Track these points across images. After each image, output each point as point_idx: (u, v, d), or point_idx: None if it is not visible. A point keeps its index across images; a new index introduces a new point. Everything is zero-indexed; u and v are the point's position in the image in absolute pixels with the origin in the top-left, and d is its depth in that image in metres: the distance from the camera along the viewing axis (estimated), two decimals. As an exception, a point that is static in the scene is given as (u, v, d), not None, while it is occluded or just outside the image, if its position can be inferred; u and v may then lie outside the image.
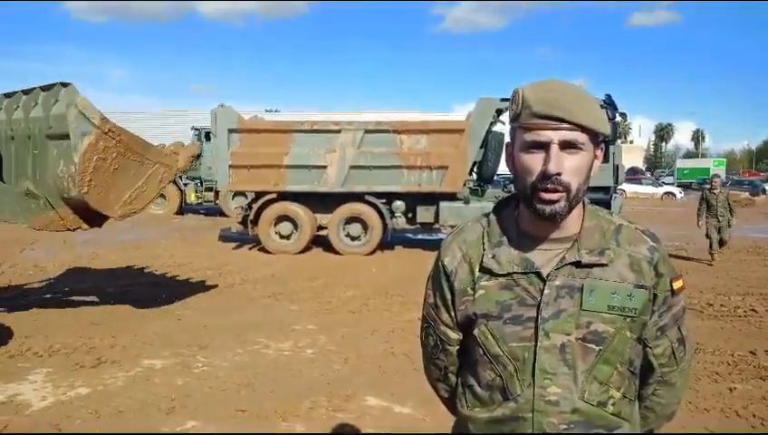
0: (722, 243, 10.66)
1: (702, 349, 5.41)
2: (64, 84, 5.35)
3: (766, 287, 8.36)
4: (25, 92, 5.79)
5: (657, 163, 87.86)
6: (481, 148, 11.55)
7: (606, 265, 1.26)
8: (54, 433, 3.72)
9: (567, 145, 1.20)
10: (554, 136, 1.19)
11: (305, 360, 5.22)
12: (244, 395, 4.35)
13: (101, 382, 4.55)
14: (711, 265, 10.41)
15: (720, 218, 10.53)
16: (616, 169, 11.64)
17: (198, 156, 5.74)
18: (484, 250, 1.32)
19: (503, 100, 11.07)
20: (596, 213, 1.33)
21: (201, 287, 8.04)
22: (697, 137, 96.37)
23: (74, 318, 6.42)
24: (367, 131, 11.13)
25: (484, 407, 1.32)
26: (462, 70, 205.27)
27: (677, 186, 40.14)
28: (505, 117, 11.19)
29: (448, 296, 1.37)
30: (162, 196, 17.42)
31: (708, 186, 11.16)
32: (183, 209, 19.21)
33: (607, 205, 10.86)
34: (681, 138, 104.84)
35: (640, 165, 61.71)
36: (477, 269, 1.32)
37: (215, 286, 8.11)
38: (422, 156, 11.16)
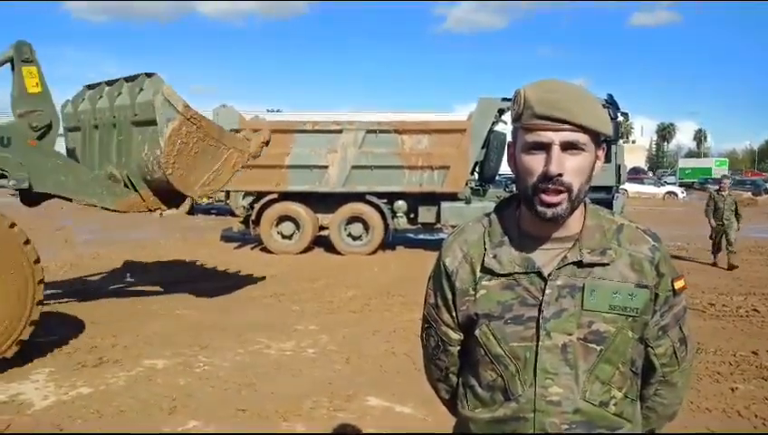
0: (728, 243, 10.37)
1: (704, 349, 5.40)
2: (149, 75, 5.83)
3: (768, 287, 8.35)
4: (109, 83, 6.37)
5: (659, 163, 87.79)
6: (482, 148, 11.55)
7: (607, 264, 1.26)
8: (56, 433, 3.72)
9: (568, 146, 1.20)
10: (556, 137, 1.19)
11: (306, 360, 5.22)
12: (245, 395, 4.35)
13: (103, 382, 4.55)
14: (715, 265, 10.33)
15: (725, 222, 10.39)
16: (618, 168, 11.64)
17: (267, 142, 6.54)
18: (485, 250, 1.32)
19: (504, 99, 11.07)
20: (597, 213, 1.33)
21: (202, 287, 8.04)
22: (699, 137, 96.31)
23: (76, 318, 6.43)
24: (368, 131, 11.14)
25: (486, 407, 1.31)
26: (463, 70, 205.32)
27: (679, 185, 40.10)
28: (507, 117, 11.19)
29: (449, 296, 1.37)
30: None
31: (717, 187, 11.04)
32: (194, 209, 18.99)
33: (609, 205, 10.85)
34: (683, 137, 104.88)
35: (642, 165, 61.71)
36: (479, 269, 1.32)
37: (216, 286, 8.11)
38: (423, 156, 11.17)
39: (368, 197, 11.41)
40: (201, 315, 6.67)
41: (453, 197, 11.46)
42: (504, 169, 12.29)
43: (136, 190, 6.04)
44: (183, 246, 12.03)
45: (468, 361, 1.39)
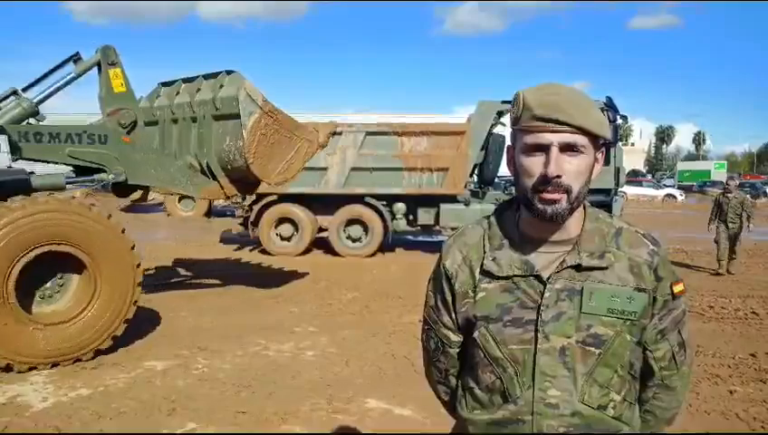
0: (732, 247, 9.89)
1: (702, 351, 5.41)
2: (229, 72, 6.29)
3: (767, 290, 8.36)
4: (185, 81, 6.85)
5: (657, 165, 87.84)
6: (482, 150, 11.57)
7: (606, 268, 1.27)
8: (55, 433, 3.72)
9: (567, 148, 1.21)
10: (554, 139, 1.20)
11: (306, 362, 5.22)
12: (244, 397, 4.35)
13: (102, 383, 4.55)
14: (719, 273, 9.78)
15: (730, 225, 9.81)
16: (617, 171, 11.65)
17: (333, 134, 7.35)
18: (484, 253, 1.33)
19: (504, 102, 11.09)
20: (596, 216, 1.34)
21: (201, 289, 8.04)
22: (698, 139, 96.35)
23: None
24: (368, 133, 11.15)
25: (484, 409, 1.32)
26: (463, 72, 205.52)
27: (678, 188, 40.15)
28: (506, 119, 11.21)
29: (449, 299, 1.38)
30: (191, 198, 17.38)
31: (722, 189, 10.49)
32: (211, 212, 18.68)
33: (608, 207, 10.86)
34: (682, 140, 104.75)
35: (641, 167, 61.82)
36: (478, 272, 1.33)
37: (215, 288, 8.11)
38: (423, 158, 11.17)
39: (367, 199, 11.41)
40: (200, 317, 6.67)
41: (452, 199, 11.46)
42: (504, 171, 12.39)
43: (215, 179, 6.48)
44: (183, 248, 12.02)
45: (467, 363, 1.39)
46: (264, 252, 11.57)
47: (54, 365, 4.84)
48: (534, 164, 1.22)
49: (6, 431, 3.75)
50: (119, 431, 3.76)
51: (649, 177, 51.62)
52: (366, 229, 11.52)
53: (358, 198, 11.42)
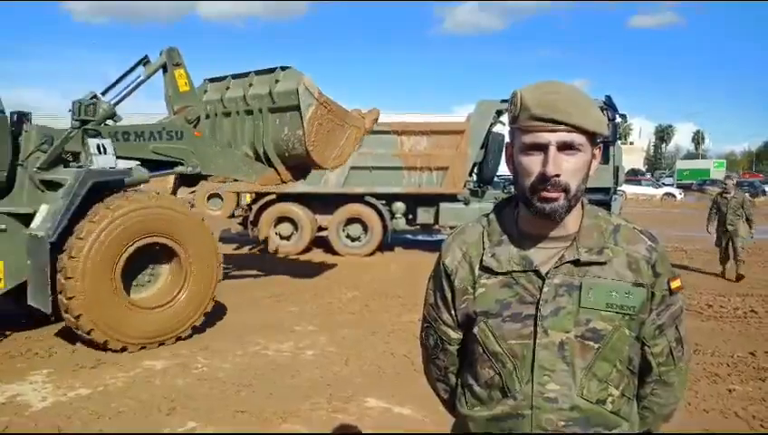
0: (735, 252, 9.38)
1: (701, 350, 5.42)
2: (284, 68, 6.79)
3: (766, 289, 8.38)
4: (235, 76, 7.37)
5: (657, 164, 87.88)
6: (481, 149, 11.57)
7: (604, 263, 1.27)
8: (55, 433, 3.72)
9: (565, 146, 1.22)
10: (552, 138, 1.21)
11: (305, 361, 5.22)
12: (244, 396, 4.35)
13: (102, 383, 4.55)
14: (723, 276, 9.49)
15: (729, 227, 9.30)
16: (616, 170, 11.66)
17: (377, 120, 7.84)
18: (484, 249, 1.34)
19: (503, 101, 11.09)
20: (594, 213, 1.35)
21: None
22: (697, 138, 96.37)
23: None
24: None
25: (484, 405, 1.33)
26: (462, 71, 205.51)
27: (677, 187, 40.19)
28: (505, 118, 11.21)
29: (449, 296, 1.38)
30: (219, 197, 17.57)
31: (721, 189, 9.91)
32: (234, 213, 17.99)
33: (607, 206, 10.86)
34: (681, 139, 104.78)
35: (640, 166, 61.83)
36: (477, 268, 1.33)
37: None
38: (422, 157, 11.18)
39: (366, 198, 11.41)
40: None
41: (451, 198, 11.47)
42: (503, 170, 12.40)
43: (273, 167, 7.02)
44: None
45: (467, 359, 1.40)
46: (263, 251, 11.57)
47: (145, 347, 5.33)
48: (533, 163, 1.23)
49: (6, 431, 3.74)
50: (118, 431, 3.76)
51: (648, 175, 51.67)
52: (365, 228, 11.52)
53: (357, 198, 11.43)
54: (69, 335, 5.73)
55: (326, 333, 6.10)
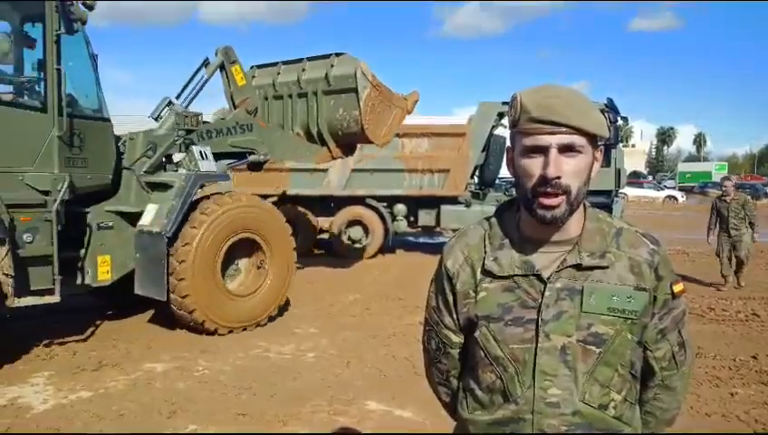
0: (739, 264, 8.74)
1: (703, 353, 5.40)
2: (338, 54, 7.53)
3: (768, 292, 8.34)
4: (286, 63, 8.11)
5: (658, 167, 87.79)
6: (482, 151, 11.56)
7: (606, 267, 1.27)
8: (55, 433, 3.72)
9: (565, 148, 1.21)
10: (553, 140, 1.21)
11: (306, 363, 5.22)
12: (244, 399, 4.34)
13: (103, 386, 4.55)
14: (722, 289, 8.70)
15: (732, 232, 8.53)
16: (618, 172, 11.65)
17: (417, 102, 8.45)
18: (485, 253, 1.34)
19: (504, 103, 11.09)
20: (597, 216, 1.35)
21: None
22: (699, 141, 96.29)
23: (75, 321, 6.42)
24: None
25: (485, 409, 1.32)
26: (463, 73, 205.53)
27: (679, 189, 40.14)
28: (506, 120, 11.19)
29: (450, 299, 1.38)
30: None
31: (720, 193, 9.11)
32: None
33: (609, 209, 10.85)
34: (683, 141, 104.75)
35: (642, 169, 61.78)
36: (479, 272, 1.33)
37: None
38: (424, 159, 11.18)
39: (368, 200, 11.41)
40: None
41: (453, 200, 11.46)
42: (504, 172, 12.37)
43: (323, 145, 7.77)
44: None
45: (468, 363, 1.40)
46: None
47: (232, 331, 5.93)
48: (533, 165, 1.23)
49: (8, 432, 3.74)
50: (119, 433, 3.75)
51: (650, 178, 51.62)
52: (366, 231, 11.51)
53: (358, 200, 11.42)
54: (70, 338, 5.73)
55: (327, 335, 6.09)
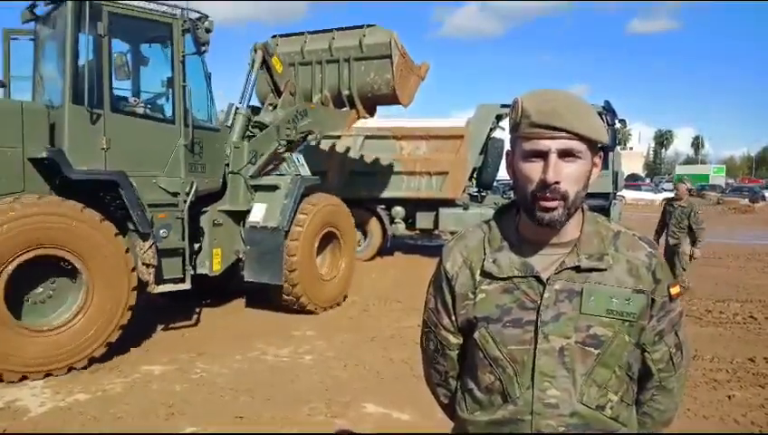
0: (673, 271, 7.50)
1: (701, 356, 5.40)
2: (369, 25, 8.44)
3: (765, 294, 8.36)
4: (312, 33, 8.87)
5: (656, 169, 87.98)
6: (480, 154, 11.56)
7: (605, 269, 1.28)
8: (53, 433, 3.71)
9: (565, 154, 1.22)
10: (552, 145, 1.21)
11: (304, 366, 5.21)
12: (242, 401, 4.34)
13: (100, 388, 4.54)
14: (685, 288, 7.70)
15: (670, 240, 8.03)
16: (615, 175, 11.66)
17: (428, 69, 9.31)
18: (485, 255, 1.34)
19: (503, 105, 11.11)
20: (595, 219, 1.36)
21: (199, 293, 8.01)
22: (697, 143, 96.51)
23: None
24: (366, 137, 11.15)
25: (484, 410, 1.33)
26: (461, 76, 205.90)
27: (677, 192, 40.11)
28: (505, 123, 11.21)
29: (449, 301, 1.39)
30: None
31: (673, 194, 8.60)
32: None
33: (606, 211, 10.85)
34: (681, 144, 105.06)
35: (640, 171, 61.93)
36: (478, 273, 1.34)
37: (213, 293, 8.08)
38: (422, 162, 11.17)
39: (366, 203, 11.39)
40: (197, 321, 6.66)
41: (451, 203, 11.45)
42: (502, 175, 12.38)
43: (352, 108, 8.60)
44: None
45: (467, 364, 1.40)
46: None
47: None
48: (533, 170, 1.23)
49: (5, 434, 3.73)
50: (117, 431, 3.75)
51: (648, 181, 51.73)
52: (365, 233, 11.49)
53: (356, 202, 11.40)
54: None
55: (325, 337, 6.09)
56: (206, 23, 6.19)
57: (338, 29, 8.66)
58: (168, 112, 6.13)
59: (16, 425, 3.89)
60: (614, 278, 1.27)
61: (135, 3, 5.77)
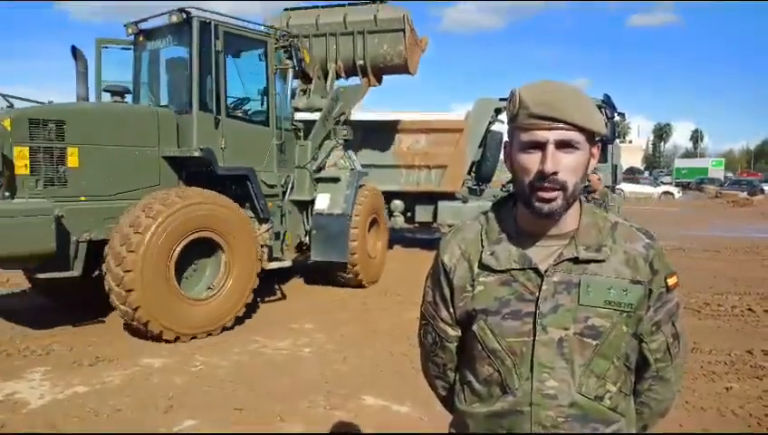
0: None
1: (699, 348, 5.42)
2: (382, 1, 9.21)
3: (763, 287, 8.38)
4: (324, 7, 9.52)
5: (655, 163, 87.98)
6: (479, 147, 11.55)
7: (603, 261, 1.28)
8: (51, 432, 3.71)
9: (563, 144, 1.22)
10: (550, 136, 1.21)
11: (303, 359, 5.22)
12: (241, 394, 4.35)
13: (99, 381, 4.55)
14: None
15: None
16: (614, 168, 11.65)
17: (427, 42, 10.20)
18: (482, 247, 1.34)
19: (502, 99, 11.08)
20: (593, 211, 1.36)
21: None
22: (696, 137, 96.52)
23: (72, 317, 6.41)
24: (366, 130, 11.12)
25: (483, 402, 1.33)
26: (461, 70, 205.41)
27: (675, 185, 40.26)
28: (504, 116, 11.18)
29: (447, 293, 1.39)
30: None
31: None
32: None
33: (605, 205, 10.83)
34: (680, 138, 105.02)
35: (639, 165, 61.91)
36: (476, 266, 1.34)
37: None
38: (421, 155, 11.15)
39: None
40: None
41: (450, 196, 11.44)
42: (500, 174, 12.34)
43: (364, 76, 9.27)
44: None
45: (465, 356, 1.41)
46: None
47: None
48: (531, 161, 1.24)
49: (3, 430, 3.73)
50: (116, 430, 3.75)
51: (647, 174, 51.71)
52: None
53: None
54: (67, 333, 5.72)
55: (324, 331, 6.09)
56: (296, 41, 7.49)
57: (350, 4, 9.37)
58: (264, 117, 7.17)
59: (16, 418, 3.89)
60: (612, 269, 1.28)
61: (241, 23, 6.92)
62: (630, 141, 69.65)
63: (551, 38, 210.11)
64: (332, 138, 8.40)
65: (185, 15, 6.21)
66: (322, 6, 9.59)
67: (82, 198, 5.52)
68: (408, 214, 11.82)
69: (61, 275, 5.38)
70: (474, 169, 11.98)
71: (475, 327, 1.33)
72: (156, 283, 5.34)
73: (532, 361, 1.26)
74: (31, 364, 4.89)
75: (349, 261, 7.69)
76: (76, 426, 3.79)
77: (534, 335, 1.26)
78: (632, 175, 40.92)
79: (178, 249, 5.53)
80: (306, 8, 9.65)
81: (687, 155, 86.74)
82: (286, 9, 9.66)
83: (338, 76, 9.49)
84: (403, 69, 9.50)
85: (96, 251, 5.58)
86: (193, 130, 6.22)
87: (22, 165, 5.16)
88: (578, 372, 1.25)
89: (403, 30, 8.99)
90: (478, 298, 1.32)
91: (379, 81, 9.81)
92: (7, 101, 5.71)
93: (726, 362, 5.12)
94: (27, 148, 5.20)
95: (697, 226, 18.24)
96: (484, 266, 1.32)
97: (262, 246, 6.64)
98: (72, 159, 5.49)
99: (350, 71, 9.34)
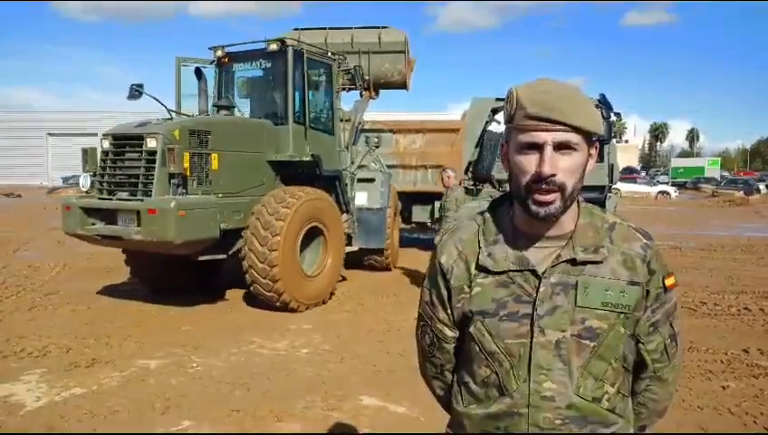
0: None
1: (695, 347, 5.43)
2: (383, 27, 10.48)
3: (760, 286, 8.40)
4: (332, 29, 10.62)
5: (652, 162, 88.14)
6: (476, 147, 11.56)
7: (600, 262, 1.27)
8: (48, 433, 3.70)
9: (561, 146, 1.21)
10: (548, 137, 1.20)
11: (300, 359, 5.22)
12: (238, 395, 4.34)
13: (96, 382, 4.53)
14: None
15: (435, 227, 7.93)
16: (611, 168, 11.66)
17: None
18: (480, 248, 1.33)
19: (498, 99, 11.09)
20: (590, 211, 1.35)
21: (195, 287, 8.01)
22: (692, 136, 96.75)
23: (69, 318, 6.40)
24: (362, 131, 11.12)
25: (480, 403, 1.33)
26: (457, 69, 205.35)
27: (672, 185, 40.34)
28: (500, 116, 11.18)
29: (445, 294, 1.38)
30: None
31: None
32: None
33: (602, 204, 10.85)
34: (676, 137, 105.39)
35: (635, 164, 62.00)
36: (473, 267, 1.33)
37: (209, 286, 8.08)
38: (417, 155, 11.16)
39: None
40: (194, 315, 6.65)
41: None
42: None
43: (366, 90, 10.03)
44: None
45: (463, 358, 1.40)
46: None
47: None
48: (529, 162, 1.22)
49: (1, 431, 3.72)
50: (112, 431, 3.74)
51: (643, 174, 51.80)
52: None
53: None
54: (63, 335, 5.71)
55: (321, 331, 6.09)
56: (356, 68, 8.77)
57: (356, 27, 10.55)
58: (330, 126, 8.38)
59: (12, 420, 3.88)
60: (609, 270, 1.27)
61: (316, 49, 8.08)
62: (626, 141, 69.79)
63: (546, 37, 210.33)
64: (367, 144, 9.82)
65: (281, 44, 7.42)
66: (330, 28, 10.60)
67: (220, 195, 6.62)
68: (405, 214, 11.83)
69: (217, 256, 6.73)
70: (470, 169, 11.99)
71: (472, 329, 1.33)
72: (289, 261, 6.70)
73: (529, 363, 1.25)
74: (27, 366, 4.87)
75: (385, 251, 9.23)
76: (73, 428, 3.77)
77: (532, 337, 1.25)
78: (629, 174, 40.98)
79: (302, 234, 6.94)
80: (315, 29, 10.59)
81: (684, 154, 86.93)
82: (296, 29, 10.47)
83: (342, 89, 9.91)
84: (401, 85, 10.68)
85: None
86: (289, 139, 7.46)
87: (186, 168, 6.29)
88: (576, 373, 1.24)
89: (404, 51, 10.26)
90: (475, 300, 1.32)
91: (378, 93, 10.89)
92: (169, 112, 7.03)
93: (723, 361, 5.14)
94: (188, 153, 6.32)
95: (694, 225, 18.28)
96: (481, 268, 1.32)
97: (345, 234, 8.08)
98: (215, 163, 6.69)
99: (351, 85, 9.77)
